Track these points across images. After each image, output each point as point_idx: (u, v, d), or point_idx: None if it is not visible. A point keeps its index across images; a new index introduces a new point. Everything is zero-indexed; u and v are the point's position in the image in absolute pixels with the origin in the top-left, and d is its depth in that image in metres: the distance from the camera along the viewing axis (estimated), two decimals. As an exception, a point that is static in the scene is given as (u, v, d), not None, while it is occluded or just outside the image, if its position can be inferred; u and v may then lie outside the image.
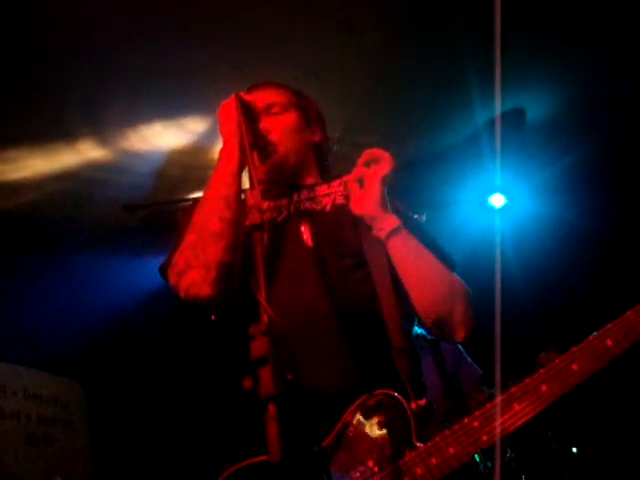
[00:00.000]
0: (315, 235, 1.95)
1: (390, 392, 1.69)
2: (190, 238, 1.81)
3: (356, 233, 1.99)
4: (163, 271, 1.96)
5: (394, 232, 1.91)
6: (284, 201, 2.06)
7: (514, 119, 5.80)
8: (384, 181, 1.95)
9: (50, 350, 6.02)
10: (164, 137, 5.29)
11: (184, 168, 5.70)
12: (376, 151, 1.99)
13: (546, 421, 4.18)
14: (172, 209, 6.16)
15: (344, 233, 2.00)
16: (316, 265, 1.88)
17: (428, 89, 5.35)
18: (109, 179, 5.64)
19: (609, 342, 1.58)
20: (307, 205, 2.04)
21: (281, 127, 2.10)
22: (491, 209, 6.19)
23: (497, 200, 6.17)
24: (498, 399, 1.64)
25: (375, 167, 1.96)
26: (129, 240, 6.26)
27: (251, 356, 1.21)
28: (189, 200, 6.13)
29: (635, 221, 5.94)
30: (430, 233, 2.08)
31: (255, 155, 2.00)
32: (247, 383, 1.22)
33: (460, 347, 3.83)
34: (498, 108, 5.21)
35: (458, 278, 1.99)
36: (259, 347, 1.20)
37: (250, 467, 1.61)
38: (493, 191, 6.17)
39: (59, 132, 5.02)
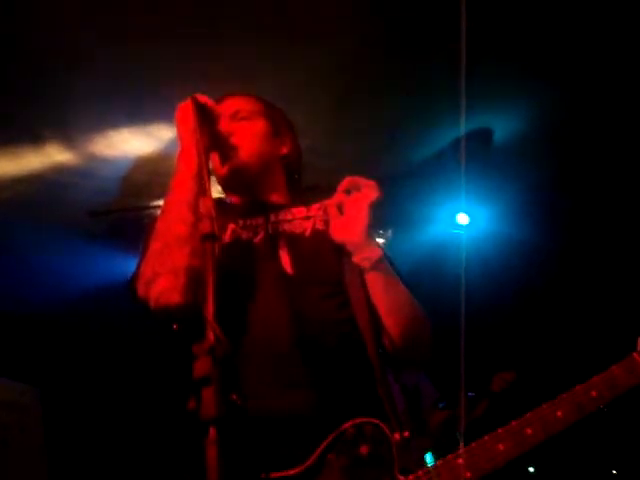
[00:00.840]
0: (294, 261, 1.89)
1: (374, 421, 1.65)
2: (155, 246, 1.75)
3: (336, 260, 1.93)
4: (132, 286, 1.86)
5: (379, 262, 1.88)
6: (260, 220, 2.00)
7: (480, 140, 5.86)
8: (370, 208, 1.92)
9: (6, 355, 5.94)
10: (131, 143, 5.26)
11: (150, 174, 5.67)
12: (357, 179, 1.96)
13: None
14: (138, 215, 6.13)
15: (323, 260, 1.94)
16: (292, 292, 1.82)
17: (396, 108, 5.39)
18: (75, 183, 5.59)
19: (593, 393, 1.63)
20: (286, 227, 1.98)
21: (245, 131, 2.07)
22: (458, 227, 6.24)
23: (462, 219, 6.23)
24: (485, 438, 1.64)
25: (357, 194, 1.93)
26: (94, 245, 6.20)
27: (193, 376, 1.15)
28: (155, 207, 6.12)
29: (589, 240, 6.04)
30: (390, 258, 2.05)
31: (216, 158, 1.97)
32: (191, 404, 1.13)
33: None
34: (462, 130, 5.31)
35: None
36: (201, 367, 1.14)
37: None
38: (460, 210, 6.23)
39: (26, 135, 4.97)
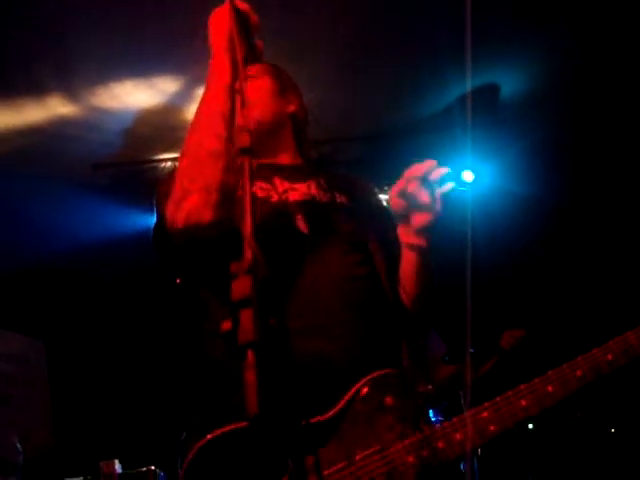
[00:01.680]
0: (311, 223, 1.87)
1: (401, 372, 1.68)
2: (185, 162, 1.66)
3: (350, 222, 1.94)
4: (158, 226, 1.79)
5: (425, 250, 1.90)
6: (268, 185, 1.95)
7: (486, 96, 5.81)
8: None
9: (11, 307, 5.96)
10: (135, 95, 5.20)
11: (154, 128, 5.63)
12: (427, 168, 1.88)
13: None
14: (141, 168, 6.11)
15: (340, 223, 1.93)
16: (313, 249, 1.82)
17: (401, 63, 5.34)
18: (78, 136, 5.55)
19: (609, 356, 1.71)
20: (296, 196, 1.94)
21: (254, 89, 2.02)
22: (463, 184, 6.22)
23: (468, 176, 6.20)
24: (508, 393, 1.67)
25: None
26: (97, 197, 6.19)
27: (232, 297, 1.07)
28: (158, 161, 6.09)
29: (593, 196, 6.03)
30: None
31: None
32: (226, 325, 1.07)
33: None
34: (469, 84, 5.26)
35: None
36: (241, 287, 1.07)
37: (230, 434, 1.54)
38: (465, 167, 6.20)
39: (27, 86, 4.91)
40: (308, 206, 1.92)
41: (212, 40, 1.78)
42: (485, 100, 5.93)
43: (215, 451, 1.55)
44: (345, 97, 5.61)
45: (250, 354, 1.02)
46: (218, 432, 1.56)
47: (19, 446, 3.96)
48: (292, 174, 2.01)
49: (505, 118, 6.01)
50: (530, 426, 5.18)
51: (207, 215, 1.60)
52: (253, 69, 2.04)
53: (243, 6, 1.76)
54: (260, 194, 1.87)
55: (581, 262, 6.07)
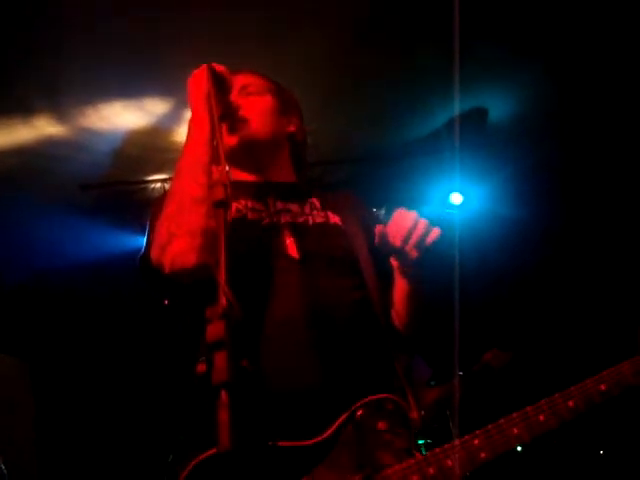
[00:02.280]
0: (299, 246, 1.88)
1: (394, 398, 1.68)
2: (170, 208, 1.71)
3: (344, 243, 1.96)
4: (144, 258, 1.82)
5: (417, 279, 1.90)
6: (263, 206, 1.97)
7: (475, 119, 5.86)
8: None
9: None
10: (124, 117, 5.21)
11: (142, 149, 5.64)
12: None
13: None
14: (129, 189, 6.11)
15: (333, 245, 1.95)
16: (304, 275, 1.83)
17: (392, 87, 5.38)
18: (66, 156, 5.55)
19: (602, 387, 1.74)
20: (288, 218, 1.96)
21: (254, 106, 2.05)
22: (452, 207, 6.25)
23: (456, 198, 6.24)
24: (501, 421, 1.68)
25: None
26: (84, 218, 6.18)
27: (206, 340, 1.14)
28: (147, 182, 6.09)
29: (582, 219, 6.09)
30: None
31: (225, 127, 1.94)
32: (201, 367, 1.13)
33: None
34: (457, 108, 5.30)
35: None
36: (215, 331, 1.14)
37: (215, 458, 1.54)
38: (454, 189, 6.24)
39: (16, 107, 4.92)
40: (300, 229, 1.94)
41: (191, 99, 1.86)
42: (474, 123, 5.97)
43: (203, 475, 1.55)
44: (330, 121, 5.63)
45: (223, 394, 1.08)
46: (202, 457, 1.55)
47: (4, 469, 3.91)
48: (287, 193, 2.03)
49: (493, 141, 6.05)
50: (518, 448, 5.18)
51: (191, 259, 1.64)
52: (253, 87, 2.07)
53: (220, 68, 1.89)
54: (250, 216, 1.90)
55: (569, 284, 6.09)
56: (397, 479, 1.58)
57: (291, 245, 1.88)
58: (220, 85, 1.85)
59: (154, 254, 1.70)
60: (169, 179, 6.06)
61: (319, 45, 4.78)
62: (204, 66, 1.86)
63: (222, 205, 1.35)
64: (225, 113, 1.87)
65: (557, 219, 6.13)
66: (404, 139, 6.05)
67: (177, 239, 1.66)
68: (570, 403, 1.70)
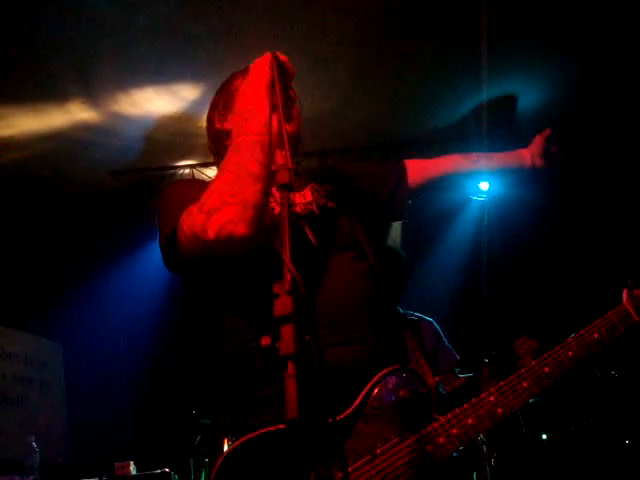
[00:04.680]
0: (317, 234, 1.94)
1: (410, 367, 1.77)
2: (225, 177, 1.73)
3: (347, 227, 2.01)
4: (170, 237, 1.82)
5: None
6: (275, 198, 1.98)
7: (503, 107, 5.84)
8: None
9: (30, 310, 6.03)
10: (155, 102, 5.28)
11: (173, 135, 5.70)
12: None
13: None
14: (159, 175, 6.17)
15: (339, 230, 2.01)
16: (324, 260, 1.90)
17: (420, 73, 5.39)
18: (98, 141, 5.63)
19: (596, 335, 1.93)
20: (297, 209, 2.00)
21: (297, 108, 2.12)
22: (479, 192, 6.23)
23: (484, 185, 6.22)
24: (511, 377, 1.81)
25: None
26: (114, 202, 6.26)
27: (274, 314, 1.20)
28: (176, 167, 6.16)
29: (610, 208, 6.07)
30: None
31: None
32: (265, 341, 1.19)
33: (440, 330, 3.87)
34: (485, 95, 5.28)
35: None
36: (283, 306, 1.20)
37: (263, 436, 1.62)
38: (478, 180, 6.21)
39: (49, 92, 5.00)
40: (309, 217, 1.99)
41: (253, 83, 1.90)
42: (502, 111, 5.96)
43: (249, 452, 1.62)
44: (361, 107, 5.65)
45: (291, 365, 1.15)
46: (250, 436, 1.63)
47: (35, 446, 4.00)
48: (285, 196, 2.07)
49: (521, 129, 6.03)
50: (544, 436, 5.19)
51: (241, 229, 1.66)
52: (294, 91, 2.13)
53: (283, 57, 1.92)
54: (274, 209, 1.93)
55: (594, 268, 6.06)
56: (424, 444, 1.66)
57: (309, 232, 1.93)
58: (282, 74, 1.88)
59: (197, 220, 1.69)
60: (199, 165, 6.12)
61: (350, 31, 4.80)
62: (268, 53, 1.88)
63: (287, 188, 1.39)
64: (285, 101, 1.89)
65: (586, 206, 6.09)
66: (432, 126, 6.06)
67: (230, 207, 1.67)
68: (570, 353, 1.87)
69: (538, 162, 2.22)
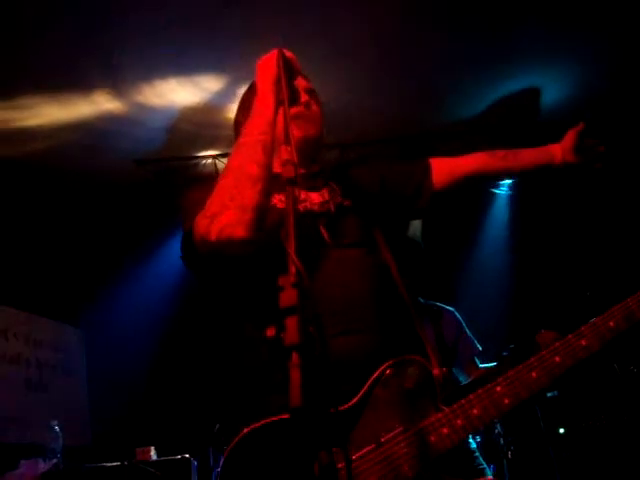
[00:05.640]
0: (330, 232, 1.96)
1: (416, 358, 1.77)
2: (226, 181, 1.78)
3: (361, 224, 2.04)
4: (188, 231, 1.88)
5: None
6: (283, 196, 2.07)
7: (527, 99, 5.82)
8: None
9: (54, 297, 6.11)
10: (179, 93, 5.32)
11: (196, 125, 5.74)
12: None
13: (536, 400, 4.26)
14: (183, 165, 6.23)
15: (352, 227, 2.03)
16: (337, 257, 1.92)
17: (441, 64, 5.38)
18: (122, 131, 5.69)
19: (611, 324, 1.81)
20: (314, 207, 2.04)
21: (317, 108, 2.14)
22: (500, 185, 6.23)
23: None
24: (519, 367, 1.76)
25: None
26: (138, 191, 6.31)
27: (279, 305, 1.24)
28: (199, 158, 6.20)
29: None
30: None
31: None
32: (270, 332, 1.23)
33: (462, 320, 3.87)
34: (509, 88, 5.25)
35: None
36: (288, 297, 1.24)
37: (267, 427, 1.65)
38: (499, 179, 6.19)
39: (75, 83, 5.06)
40: (326, 215, 2.02)
41: (259, 80, 1.93)
42: (526, 103, 5.94)
43: (254, 442, 1.66)
44: (382, 99, 5.66)
45: (295, 355, 1.19)
46: (256, 425, 1.66)
47: (58, 430, 4.07)
48: (306, 183, 2.09)
49: (545, 122, 6.01)
50: (561, 430, 5.19)
51: (240, 232, 1.72)
52: (312, 91, 2.14)
53: (289, 54, 1.94)
54: (280, 206, 1.95)
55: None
56: (428, 434, 1.67)
57: (324, 232, 1.96)
58: (288, 71, 1.89)
59: (202, 223, 1.76)
60: (220, 155, 6.17)
61: (368, 23, 4.81)
62: (275, 51, 1.91)
63: (292, 182, 1.44)
64: (291, 98, 1.92)
65: (606, 198, 6.06)
66: (454, 118, 6.05)
67: (228, 211, 1.73)
68: (583, 342, 1.78)
69: (570, 158, 2.15)
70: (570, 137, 2.16)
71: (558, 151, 2.16)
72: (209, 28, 4.62)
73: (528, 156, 2.19)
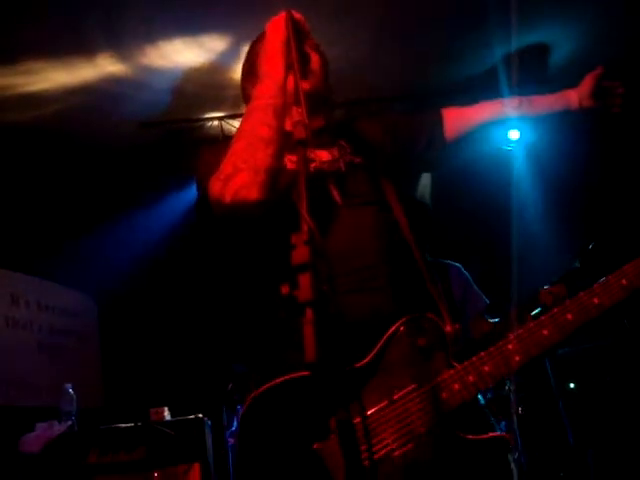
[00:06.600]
0: (341, 192, 1.97)
1: (428, 315, 1.78)
2: (238, 145, 1.81)
3: (372, 182, 2.04)
4: (203, 192, 1.92)
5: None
6: (294, 156, 2.01)
7: (535, 55, 5.75)
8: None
9: (64, 263, 6.13)
10: (183, 54, 5.27)
11: (201, 87, 5.71)
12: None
13: (547, 355, 4.27)
14: (189, 127, 6.20)
15: (363, 185, 2.04)
16: (347, 216, 1.93)
17: (448, 20, 5.31)
18: (127, 94, 5.66)
19: (624, 281, 1.80)
20: (324, 166, 2.04)
21: (323, 61, 2.13)
22: (510, 142, 6.20)
23: (514, 134, 6.17)
24: (530, 324, 1.77)
25: None
26: (144, 154, 6.30)
27: (292, 262, 1.26)
28: (205, 119, 6.17)
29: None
30: None
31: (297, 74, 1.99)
32: (284, 289, 1.25)
33: (468, 275, 3.87)
34: (515, 43, 5.19)
35: None
36: (300, 255, 1.26)
37: (283, 384, 1.68)
38: (512, 127, 6.15)
39: (78, 46, 5.02)
40: (335, 175, 2.03)
41: (268, 41, 1.93)
42: (534, 59, 5.87)
43: (270, 399, 1.69)
44: (388, 56, 5.60)
45: (309, 311, 1.21)
46: (272, 383, 1.69)
47: (72, 393, 4.12)
48: (314, 140, 2.08)
49: (553, 78, 5.95)
50: (572, 385, 5.21)
51: (253, 193, 1.75)
52: (318, 44, 2.12)
53: (298, 16, 1.95)
54: (290, 166, 1.97)
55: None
56: (440, 390, 1.69)
57: (334, 190, 1.97)
58: (297, 32, 1.90)
59: (216, 187, 1.78)
60: (226, 117, 6.14)
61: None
62: (284, 13, 1.91)
63: (303, 143, 1.45)
64: (301, 59, 1.90)
65: (613, 153, 6.02)
66: (462, 75, 5.99)
67: (242, 173, 1.75)
68: (595, 300, 1.77)
69: (587, 102, 2.11)
70: (588, 82, 2.11)
71: (575, 96, 2.12)
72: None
73: (544, 102, 2.17)
